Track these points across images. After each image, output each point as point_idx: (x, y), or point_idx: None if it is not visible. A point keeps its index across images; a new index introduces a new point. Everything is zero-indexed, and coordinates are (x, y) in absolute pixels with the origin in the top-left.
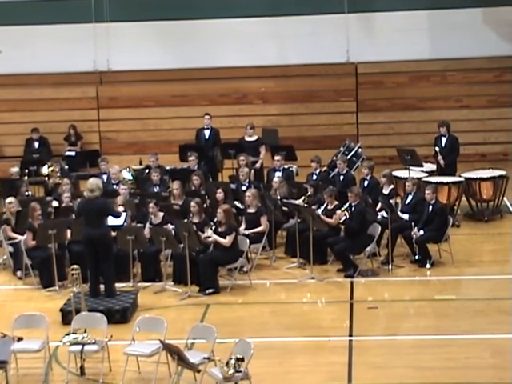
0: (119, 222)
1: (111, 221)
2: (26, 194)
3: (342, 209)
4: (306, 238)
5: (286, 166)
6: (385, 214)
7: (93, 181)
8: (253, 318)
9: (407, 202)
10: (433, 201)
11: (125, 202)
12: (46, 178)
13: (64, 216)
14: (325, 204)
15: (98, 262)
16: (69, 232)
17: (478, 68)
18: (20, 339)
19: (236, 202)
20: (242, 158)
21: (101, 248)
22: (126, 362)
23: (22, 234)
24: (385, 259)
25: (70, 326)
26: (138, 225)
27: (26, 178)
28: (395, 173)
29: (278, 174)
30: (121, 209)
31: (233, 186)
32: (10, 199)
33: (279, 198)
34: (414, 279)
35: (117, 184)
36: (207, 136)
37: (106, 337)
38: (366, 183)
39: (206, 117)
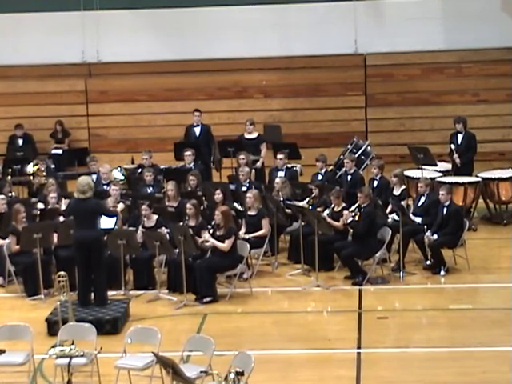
0: (110, 225)
1: (102, 224)
2: (10, 194)
3: (351, 209)
4: (311, 243)
5: (289, 166)
6: (396, 217)
7: (83, 180)
8: (253, 329)
9: (420, 203)
10: (447, 202)
11: (116, 203)
12: (31, 178)
13: (50, 219)
14: (331, 206)
15: (88, 268)
16: (55, 236)
17: (497, 59)
18: (2, 351)
19: (235, 204)
20: (241, 156)
21: (93, 252)
22: (116, 375)
23: (5, 238)
24: (396, 265)
25: (57, 338)
26: (130, 228)
27: (9, 177)
28: (407, 172)
29: (281, 173)
30: (120, 206)
31: (232, 186)
32: (0, 196)
33: (282, 199)
34: (426, 287)
35: (107, 184)
36: (198, 133)
37: (96, 349)
38: (375, 183)
39: (196, 113)
